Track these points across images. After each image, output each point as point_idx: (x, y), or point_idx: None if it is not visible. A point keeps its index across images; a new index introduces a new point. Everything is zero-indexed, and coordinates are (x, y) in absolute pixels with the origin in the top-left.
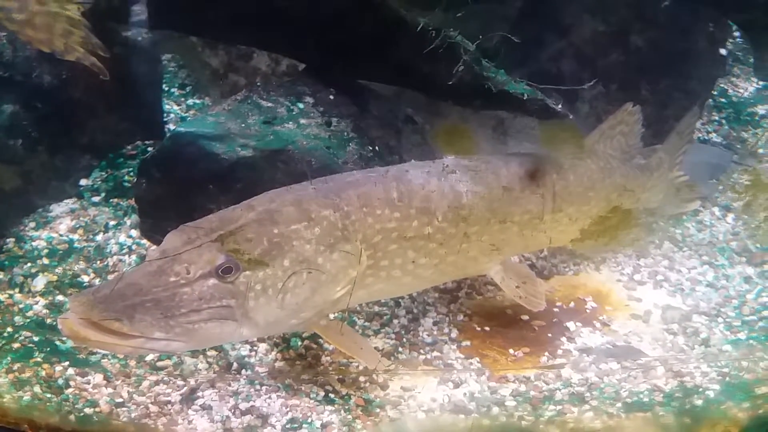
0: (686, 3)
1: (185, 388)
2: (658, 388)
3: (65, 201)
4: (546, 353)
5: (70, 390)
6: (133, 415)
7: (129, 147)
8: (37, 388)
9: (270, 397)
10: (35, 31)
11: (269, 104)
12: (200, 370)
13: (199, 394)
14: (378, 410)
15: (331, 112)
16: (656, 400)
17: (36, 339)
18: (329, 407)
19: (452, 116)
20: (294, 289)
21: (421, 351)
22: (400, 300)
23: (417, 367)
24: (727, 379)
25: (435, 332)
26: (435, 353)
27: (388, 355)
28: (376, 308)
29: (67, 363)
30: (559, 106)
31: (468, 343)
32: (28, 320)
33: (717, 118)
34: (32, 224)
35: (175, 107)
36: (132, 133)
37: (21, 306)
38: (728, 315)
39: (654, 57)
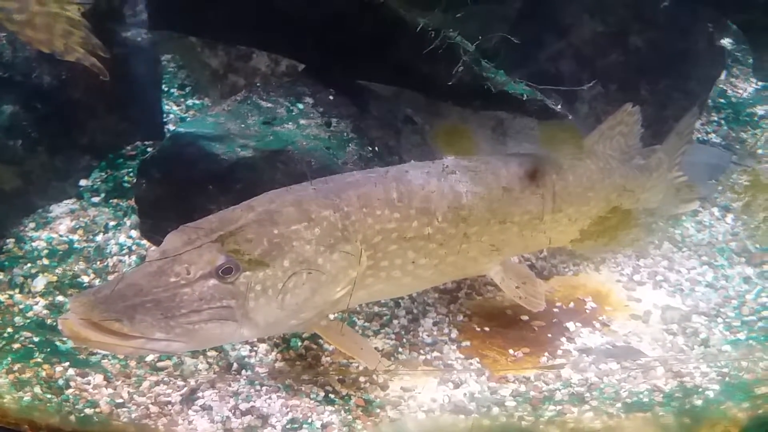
0: (685, 3)
1: (185, 388)
2: (657, 388)
3: (65, 201)
4: (546, 353)
5: (70, 390)
6: (133, 415)
7: (129, 147)
8: (37, 389)
9: (270, 398)
10: (35, 32)
11: (269, 105)
12: (200, 370)
13: (200, 394)
14: (378, 410)
15: (330, 112)
16: (656, 401)
17: (36, 339)
18: (329, 407)
19: (452, 117)
20: (294, 289)
21: (421, 351)
22: (400, 300)
23: (417, 367)
24: (727, 379)
25: (435, 333)
26: (435, 353)
27: (388, 356)
28: (376, 309)
29: (67, 363)
30: (559, 106)
31: (468, 343)
32: (29, 321)
33: (716, 118)
34: (32, 225)
35: (175, 108)
36: (132, 133)
37: (21, 306)
38: (728, 315)
39: (653, 57)
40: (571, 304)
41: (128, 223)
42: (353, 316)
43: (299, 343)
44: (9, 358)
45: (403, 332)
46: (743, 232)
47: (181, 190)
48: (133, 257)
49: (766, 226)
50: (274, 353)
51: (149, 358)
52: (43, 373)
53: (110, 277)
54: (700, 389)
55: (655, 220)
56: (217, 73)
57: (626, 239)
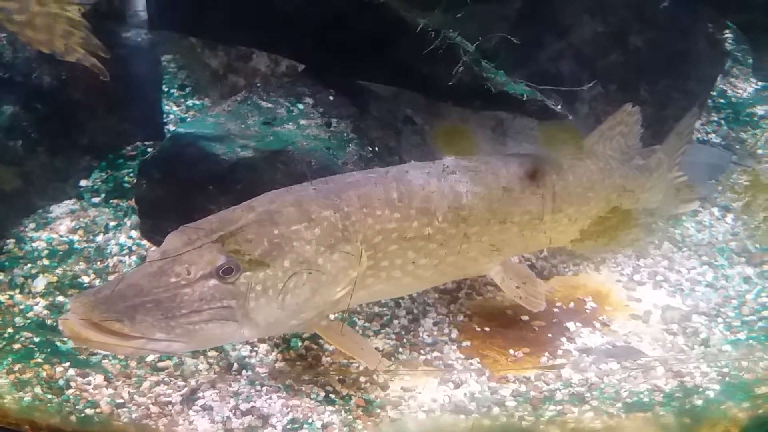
0: (685, 4)
1: (186, 388)
2: (658, 388)
3: (65, 202)
4: (546, 353)
5: (70, 391)
6: (133, 415)
7: (129, 148)
8: (38, 389)
9: (271, 398)
10: (35, 32)
11: (269, 105)
12: (201, 370)
13: (200, 394)
14: (379, 410)
15: (330, 112)
16: (656, 400)
17: (37, 340)
18: (330, 408)
19: (452, 117)
20: (294, 289)
21: (422, 351)
22: (400, 300)
23: (417, 367)
24: (727, 379)
25: (435, 333)
26: (435, 354)
27: (388, 356)
28: (377, 309)
29: (67, 364)
30: (559, 106)
31: (468, 343)
32: (29, 321)
33: (716, 118)
34: (32, 225)
35: (175, 108)
36: (132, 134)
37: (21, 307)
38: (728, 315)
39: (653, 57)
40: (572, 304)
41: (128, 223)
42: (353, 316)
43: (299, 344)
44: (9, 359)
45: (403, 332)
46: (743, 232)
47: (181, 190)
48: (134, 257)
49: (766, 226)
50: (274, 353)
51: (150, 358)
52: (44, 374)
53: (110, 278)
54: (701, 389)
55: (655, 220)
56: (217, 74)
57: (626, 239)
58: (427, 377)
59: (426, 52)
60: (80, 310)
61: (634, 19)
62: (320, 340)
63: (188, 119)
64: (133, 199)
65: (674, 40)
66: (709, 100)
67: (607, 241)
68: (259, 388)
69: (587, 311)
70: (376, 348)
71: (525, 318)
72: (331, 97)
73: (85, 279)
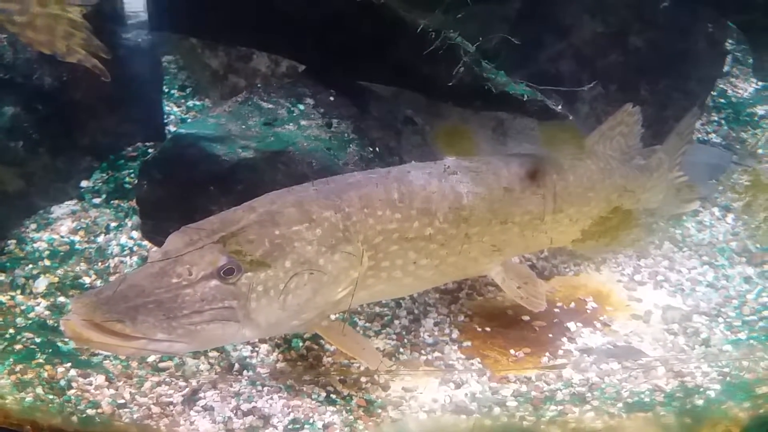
0: (685, 4)
1: (187, 389)
2: (659, 388)
3: (66, 203)
4: (547, 354)
5: (72, 391)
6: (135, 416)
7: (129, 148)
8: (39, 390)
9: (272, 398)
10: (36, 34)
11: (270, 106)
12: (202, 371)
13: (201, 395)
14: (380, 411)
15: (331, 113)
16: (657, 400)
17: (38, 340)
18: (331, 408)
19: (452, 117)
20: (295, 290)
21: (423, 352)
22: (401, 301)
23: (418, 367)
24: (728, 378)
25: (436, 333)
26: (436, 354)
27: (389, 356)
28: (377, 309)
29: (69, 364)
30: (559, 107)
31: (469, 343)
32: (30, 322)
33: (716, 118)
34: (33, 226)
35: (176, 109)
36: (132, 134)
37: (23, 307)
38: (728, 315)
39: (653, 58)
40: (572, 304)
41: (129, 224)
42: (354, 316)
43: (301, 344)
44: (11, 359)
45: (404, 332)
46: (744, 231)
47: (182, 191)
48: (135, 258)
49: (767, 226)
50: (275, 354)
51: (151, 358)
52: (45, 374)
53: (111, 278)
54: (701, 389)
55: (655, 220)
56: (217, 74)
57: (627, 239)
58: (428, 377)
59: (426, 52)
60: (82, 310)
61: (635, 19)
62: (321, 341)
63: (189, 120)
64: (134, 200)
65: (674, 40)
66: (710, 100)
67: (607, 241)
68: (260, 388)
69: (588, 311)
70: (377, 348)
71: (526, 318)
72: (331, 98)
73: (87, 280)
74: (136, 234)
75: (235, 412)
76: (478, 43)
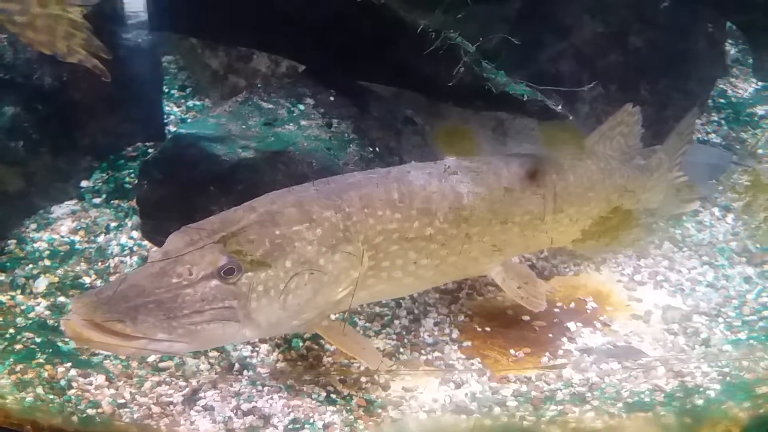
0: (685, 4)
1: (187, 389)
2: (659, 388)
3: (66, 203)
4: (547, 353)
5: (72, 391)
6: (135, 416)
7: (129, 148)
8: (39, 389)
9: (272, 398)
10: (37, 34)
11: (270, 106)
12: (202, 371)
13: (201, 394)
14: (380, 411)
15: (331, 113)
16: (657, 400)
17: (38, 340)
18: (331, 408)
19: (452, 117)
20: (296, 290)
21: (423, 351)
22: (401, 301)
23: (418, 367)
24: (728, 378)
25: (436, 333)
26: (436, 354)
27: (389, 356)
28: (377, 309)
29: (69, 364)
30: (559, 107)
31: (469, 343)
32: (30, 321)
33: (716, 118)
34: (33, 226)
35: (175, 109)
36: (132, 134)
37: (23, 307)
38: (728, 315)
39: (653, 58)
40: (572, 304)
41: (129, 224)
42: (354, 316)
43: (301, 344)
44: (11, 359)
45: (404, 332)
46: (744, 232)
47: (182, 191)
48: (135, 258)
49: (767, 226)
50: (275, 353)
51: (151, 358)
52: (46, 374)
53: (112, 278)
54: (701, 389)
55: (655, 220)
56: (217, 75)
57: (627, 239)
58: (428, 377)
59: (426, 52)
60: (82, 310)
61: (635, 20)
62: (321, 341)
63: (189, 120)
64: (135, 200)
65: (674, 40)
66: (710, 100)
67: (608, 241)
68: (260, 388)
69: (588, 311)
70: (377, 348)
71: (526, 318)
72: (331, 98)
73: (87, 279)
74: (136, 234)
75: (235, 411)
76: (478, 44)
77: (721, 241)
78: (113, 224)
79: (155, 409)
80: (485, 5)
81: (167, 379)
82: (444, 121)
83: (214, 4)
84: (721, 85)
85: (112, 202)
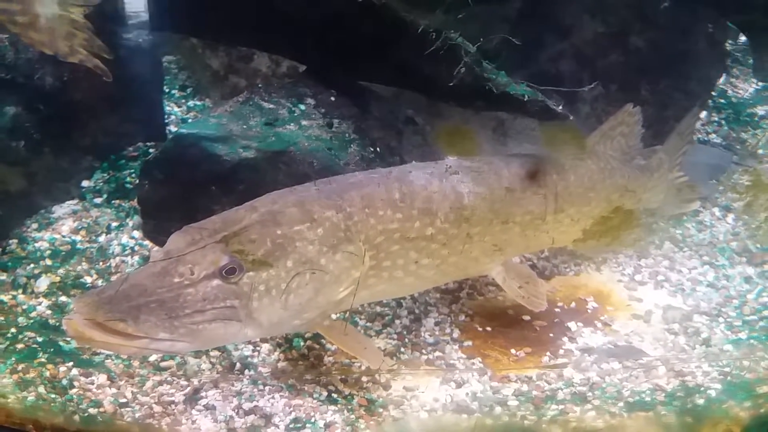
0: (686, 4)
1: (189, 388)
2: (659, 387)
3: (67, 202)
4: (548, 353)
5: (74, 390)
6: (137, 415)
7: (130, 148)
8: (41, 389)
9: (273, 397)
10: (38, 34)
11: (271, 106)
12: (203, 370)
13: (203, 394)
14: (381, 410)
15: (332, 113)
16: (658, 400)
17: (40, 339)
18: (332, 407)
19: (453, 117)
20: (297, 289)
21: (423, 351)
22: (402, 300)
23: (419, 367)
24: (729, 378)
25: (437, 332)
26: (437, 353)
27: (390, 355)
28: (378, 309)
29: (71, 363)
30: (560, 107)
31: (470, 343)
32: (32, 321)
33: (717, 118)
34: (35, 225)
35: (176, 109)
36: (133, 134)
37: (24, 307)
38: (729, 315)
39: (654, 58)
40: (573, 304)
41: (130, 223)
42: (355, 316)
43: (302, 343)
44: (13, 358)
45: (405, 332)
46: (744, 232)
47: (183, 190)
48: (136, 258)
49: (767, 226)
50: (276, 353)
51: (152, 357)
52: (47, 373)
53: (113, 278)
54: (702, 388)
55: (656, 220)
56: (218, 75)
57: (628, 239)
58: (430, 377)
59: (427, 52)
60: (84, 309)
61: (635, 20)
62: (322, 340)
63: (189, 120)
64: (136, 200)
65: (675, 41)
66: (710, 101)
67: (608, 241)
68: (261, 387)
69: (589, 311)
70: (378, 347)
71: (526, 318)
72: (332, 98)
73: (88, 279)
74: (137, 234)
75: (236, 411)
76: (479, 44)
77: (722, 241)
78: (114, 224)
79: (157, 409)
80: (486, 5)
81: (169, 379)
82: (445, 121)
83: (215, 5)
84: (722, 86)
85: (113, 201)
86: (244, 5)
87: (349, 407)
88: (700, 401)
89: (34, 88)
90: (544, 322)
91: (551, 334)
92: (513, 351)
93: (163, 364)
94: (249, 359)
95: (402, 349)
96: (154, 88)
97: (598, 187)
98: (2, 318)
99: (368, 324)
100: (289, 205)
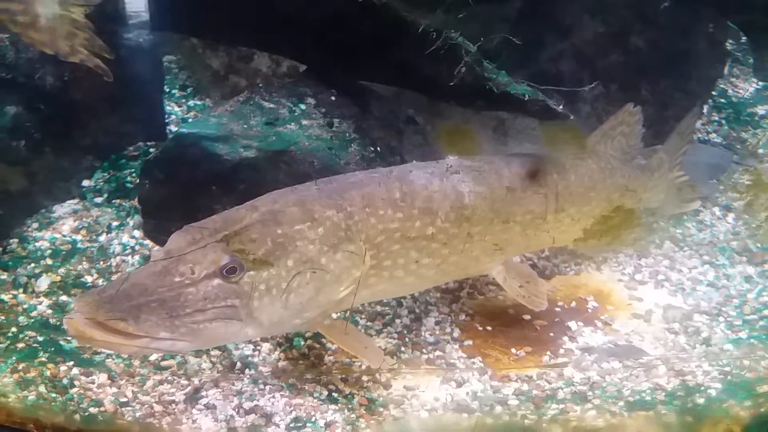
0: (686, 4)
1: (189, 387)
2: (660, 386)
3: (68, 202)
4: (548, 352)
5: (74, 389)
6: (137, 414)
7: (131, 148)
8: (42, 388)
9: (274, 397)
10: (39, 34)
11: (271, 105)
12: (204, 369)
13: (203, 393)
14: (381, 409)
15: (332, 113)
16: (658, 399)
17: (40, 339)
18: (333, 406)
19: (454, 117)
20: (298, 289)
21: (424, 350)
22: (402, 300)
23: (420, 366)
24: (729, 377)
25: (437, 332)
26: (437, 353)
27: (390, 355)
28: (379, 308)
29: (71, 363)
30: (561, 107)
31: (470, 342)
32: (33, 320)
33: (717, 118)
34: (35, 225)
35: (176, 108)
36: (134, 134)
37: (25, 306)
38: (729, 314)
39: (654, 58)
40: (573, 304)
41: (131, 223)
42: (356, 315)
43: (302, 342)
44: (14, 358)
45: (405, 331)
46: (744, 231)
47: (184, 190)
48: (136, 257)
49: (767, 226)
50: (277, 352)
51: (153, 357)
52: (48, 373)
53: (113, 277)
54: (703, 388)
55: (656, 220)
56: (218, 74)
57: (628, 239)
58: (430, 376)
59: (428, 52)
60: (85, 309)
61: (635, 19)
62: (323, 339)
63: (190, 119)
64: (136, 199)
65: (675, 40)
66: (710, 100)
67: (609, 241)
68: (262, 386)
69: (589, 310)
70: (378, 347)
71: (527, 317)
72: (332, 98)
73: (88, 278)
74: (137, 233)
75: (237, 410)
76: (480, 43)
77: (722, 241)
78: (115, 223)
79: (157, 408)
80: (486, 5)
81: (169, 378)
82: (445, 121)
83: (215, 5)
84: (722, 85)
85: (113, 201)
86: (244, 5)
87: (350, 406)
88: (701, 400)
89: (35, 88)
90: (545, 322)
91: (551, 334)
92: (513, 350)
93: (164, 363)
94: (249, 358)
95: (402, 349)
96: (155, 88)
97: (599, 186)
98: (3, 317)
99: (369, 323)
100: (289, 204)
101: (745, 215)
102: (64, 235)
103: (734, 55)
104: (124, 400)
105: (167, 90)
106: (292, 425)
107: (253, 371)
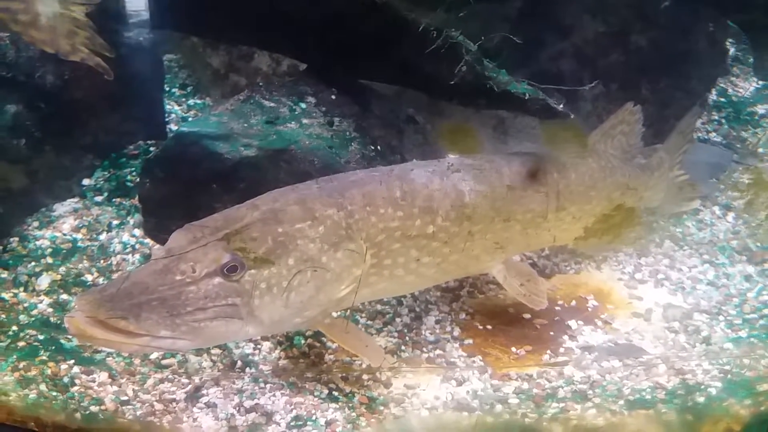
0: (686, 3)
1: (190, 386)
2: (660, 385)
3: (68, 200)
4: (548, 351)
5: (75, 388)
6: (138, 413)
7: (131, 147)
8: (42, 386)
9: (274, 395)
10: (39, 32)
11: (272, 104)
12: (205, 368)
13: (204, 392)
14: (382, 408)
15: (333, 111)
16: (658, 398)
17: (41, 337)
18: (333, 405)
19: (454, 116)
20: (299, 287)
21: (424, 349)
22: (402, 299)
23: (420, 365)
24: (729, 376)
25: (437, 330)
26: (438, 351)
27: (391, 353)
28: (379, 307)
29: (72, 361)
30: (561, 106)
31: (470, 341)
32: (33, 319)
33: (717, 117)
34: (36, 223)
35: (177, 107)
36: (134, 133)
37: (26, 305)
38: (729, 313)
39: (654, 57)
40: (573, 302)
41: (131, 221)
42: (356, 314)
43: (303, 341)
44: (14, 356)
45: (405, 330)
46: (744, 230)
47: (184, 189)
48: (137, 256)
49: (767, 225)
50: (277, 351)
51: (154, 355)
52: (49, 371)
53: (114, 276)
54: (703, 386)
55: (656, 219)
56: (218, 73)
57: (628, 237)
58: (430, 375)
59: (428, 51)
60: (86, 307)
61: (636, 19)
62: (323, 338)
63: (190, 118)
64: (136, 198)
65: (675, 40)
66: (710, 99)
67: (609, 240)
68: (262, 385)
69: (589, 309)
70: (378, 345)
71: (527, 316)
72: (333, 96)
73: (89, 277)
74: (138, 232)
75: (237, 409)
76: (480, 42)
77: (722, 240)
78: (115, 222)
79: (158, 406)
80: (487, 4)
81: (170, 377)
82: (446, 120)
83: (216, 3)
84: (722, 84)
85: (114, 200)
86: (244, 4)
87: (350, 405)
88: (701, 399)
89: (36, 87)
90: (545, 321)
91: (552, 333)
92: (513, 349)
93: (165, 361)
94: (250, 357)
95: (403, 347)
96: (155, 87)
97: (599, 185)
98: (3, 316)
99: (369, 322)
100: (290, 203)
101: (745, 214)
102: (64, 234)
103: (734, 55)
104: (125, 398)
105: (167, 89)
106: (292, 424)
107: (253, 370)
